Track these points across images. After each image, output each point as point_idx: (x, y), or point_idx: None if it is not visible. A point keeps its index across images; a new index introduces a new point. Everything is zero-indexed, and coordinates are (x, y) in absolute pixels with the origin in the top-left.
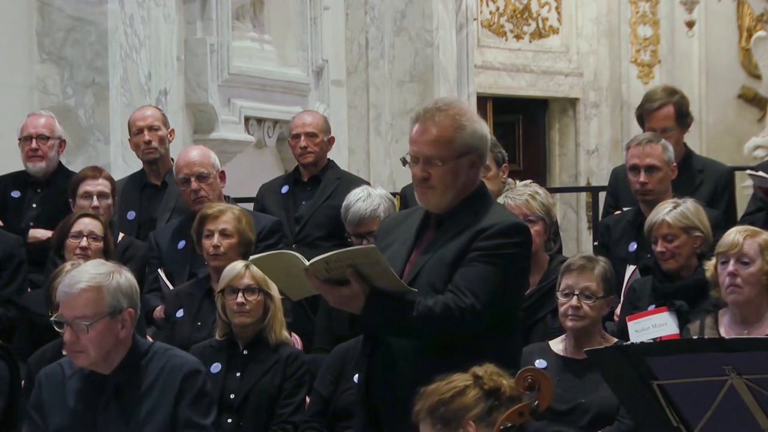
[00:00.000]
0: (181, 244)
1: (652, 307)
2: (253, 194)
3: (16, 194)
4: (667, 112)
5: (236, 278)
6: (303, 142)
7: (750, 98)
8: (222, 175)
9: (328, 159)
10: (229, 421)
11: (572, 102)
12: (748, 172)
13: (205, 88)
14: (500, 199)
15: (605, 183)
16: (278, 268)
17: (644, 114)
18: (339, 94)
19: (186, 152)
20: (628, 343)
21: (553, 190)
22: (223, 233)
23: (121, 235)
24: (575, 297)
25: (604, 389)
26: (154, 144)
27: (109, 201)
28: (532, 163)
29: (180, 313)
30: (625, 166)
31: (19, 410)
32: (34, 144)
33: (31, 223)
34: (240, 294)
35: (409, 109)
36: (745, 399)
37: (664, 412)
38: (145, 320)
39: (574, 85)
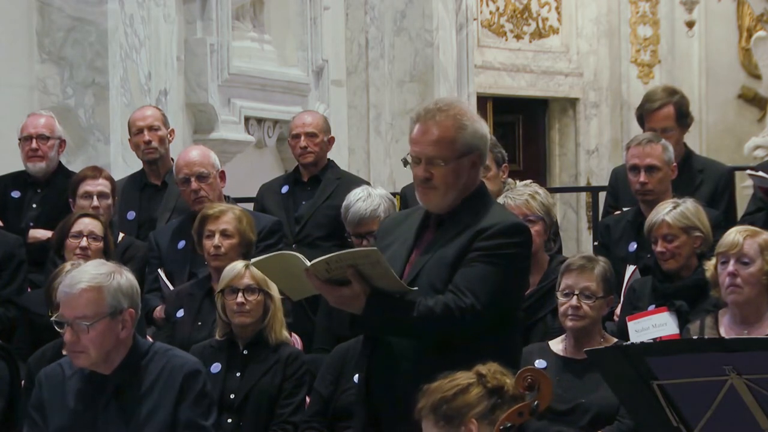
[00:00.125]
0: (181, 244)
1: (652, 307)
2: (253, 194)
3: (16, 194)
4: (667, 112)
5: (236, 278)
6: (303, 142)
7: (750, 98)
8: (222, 175)
9: (328, 159)
10: (229, 421)
11: (572, 102)
12: (748, 172)
13: (205, 88)
14: (500, 199)
15: (605, 183)
16: (279, 269)
17: (644, 114)
18: (339, 94)
19: (186, 152)
20: (628, 343)
21: (553, 190)
22: (224, 234)
23: (121, 235)
24: (575, 297)
25: (604, 389)
26: (154, 144)
27: (109, 201)
28: (532, 163)
29: (180, 313)
30: (625, 166)
31: (19, 410)
32: (34, 144)
33: (31, 223)
34: (240, 294)
35: (409, 109)
36: (745, 399)
37: (664, 412)
38: (145, 320)
39: (574, 85)
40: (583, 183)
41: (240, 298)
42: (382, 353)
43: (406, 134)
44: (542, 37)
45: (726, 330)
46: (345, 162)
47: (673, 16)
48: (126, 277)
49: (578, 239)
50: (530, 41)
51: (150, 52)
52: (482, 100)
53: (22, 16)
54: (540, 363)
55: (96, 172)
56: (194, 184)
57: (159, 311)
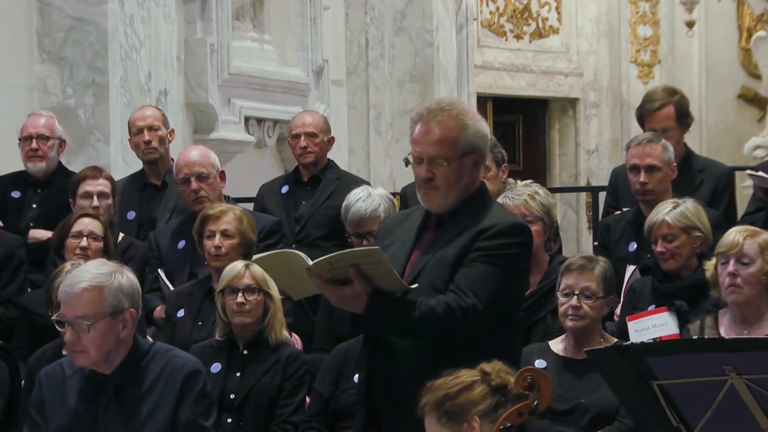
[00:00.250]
0: (181, 244)
1: (652, 307)
2: (253, 194)
3: (16, 194)
4: (667, 112)
5: (236, 278)
6: (303, 142)
7: (750, 98)
8: (222, 175)
9: (328, 159)
10: (229, 421)
11: (572, 102)
12: (748, 172)
13: (205, 88)
14: (500, 199)
15: (605, 183)
16: (281, 267)
17: (644, 114)
18: (339, 94)
19: (186, 152)
20: (628, 343)
21: (553, 190)
22: (225, 234)
23: (121, 235)
24: (575, 297)
25: (604, 389)
26: (154, 144)
27: (109, 201)
28: (532, 163)
29: (181, 313)
30: (625, 166)
31: (19, 410)
32: (34, 144)
33: (31, 224)
34: (240, 294)
35: (409, 109)
36: (745, 399)
37: (664, 412)
38: (145, 320)
39: (574, 85)
40: (583, 183)
41: (240, 298)
42: (383, 353)
43: (406, 134)
44: (542, 37)
45: (726, 330)
46: (345, 162)
47: (673, 16)
48: (127, 277)
49: (578, 239)
50: (530, 41)
51: (150, 52)
52: (482, 100)
53: (22, 16)
54: (540, 363)
55: (96, 172)
56: (194, 184)
57: (159, 311)
